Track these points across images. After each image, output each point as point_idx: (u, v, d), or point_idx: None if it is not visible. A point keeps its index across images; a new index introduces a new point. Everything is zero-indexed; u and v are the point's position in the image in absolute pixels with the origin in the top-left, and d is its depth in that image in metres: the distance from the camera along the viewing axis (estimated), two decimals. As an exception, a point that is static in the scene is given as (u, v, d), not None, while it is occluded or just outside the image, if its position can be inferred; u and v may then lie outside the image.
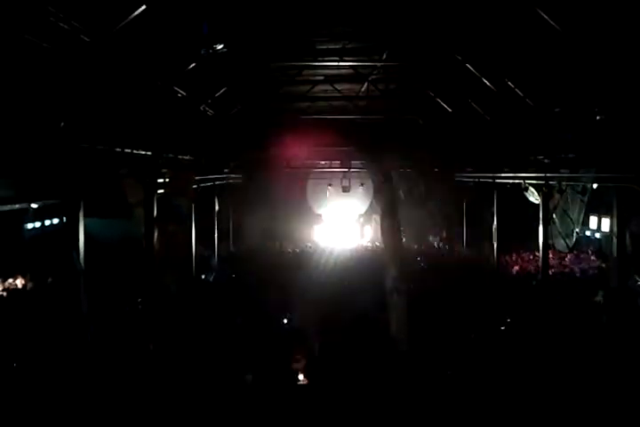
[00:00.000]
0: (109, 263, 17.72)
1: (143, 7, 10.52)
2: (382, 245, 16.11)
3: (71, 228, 13.33)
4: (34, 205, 18.53)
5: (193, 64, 14.71)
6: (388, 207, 15.58)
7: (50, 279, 17.65)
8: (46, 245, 19.29)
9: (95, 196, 15.10)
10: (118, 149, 14.61)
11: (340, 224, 33.45)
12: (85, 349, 12.09)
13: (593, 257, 23.41)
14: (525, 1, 11.46)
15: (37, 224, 21.49)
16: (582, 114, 15.11)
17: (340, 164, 24.35)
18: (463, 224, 28.14)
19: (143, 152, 15.91)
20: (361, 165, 25.56)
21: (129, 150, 15.05)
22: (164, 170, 16.82)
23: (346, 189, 28.12)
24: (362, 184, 30.65)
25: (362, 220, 33.23)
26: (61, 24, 9.82)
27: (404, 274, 14.19)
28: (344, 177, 27.78)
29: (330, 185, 29.69)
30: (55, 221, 22.49)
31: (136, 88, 14.47)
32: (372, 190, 31.44)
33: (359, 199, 32.34)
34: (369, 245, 31.16)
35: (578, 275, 21.20)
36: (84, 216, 13.28)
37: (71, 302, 12.94)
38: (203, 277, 21.47)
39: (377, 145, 17.86)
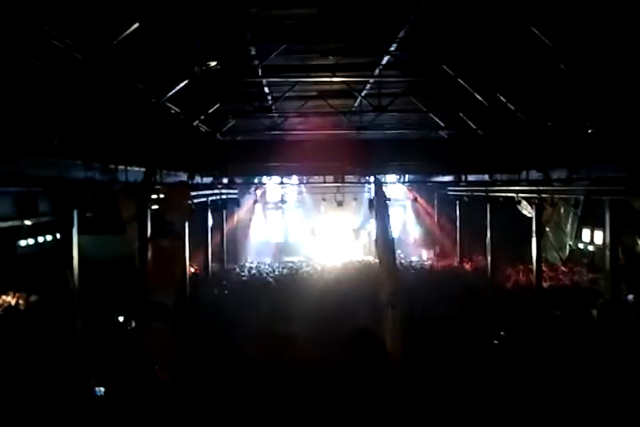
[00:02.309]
0: (103, 280, 17.64)
1: (136, 25, 10.57)
2: (377, 260, 16.12)
3: (65, 244, 13.32)
4: (27, 222, 18.47)
5: (186, 81, 14.76)
6: (383, 222, 15.64)
7: (43, 297, 17.58)
8: (40, 263, 19.21)
9: (89, 212, 15.11)
10: (112, 166, 14.62)
11: (334, 238, 33.44)
12: (78, 366, 12.04)
13: (584, 270, 23.44)
14: (517, 17, 11.55)
15: (31, 241, 21.40)
16: (574, 127, 15.21)
17: (334, 178, 24.36)
18: (458, 237, 28.19)
19: (137, 169, 15.92)
20: (355, 180, 25.66)
21: (123, 167, 15.05)
22: (158, 186, 16.82)
23: (340, 204, 28.18)
24: (355, 198, 30.70)
25: (355, 234, 33.24)
26: (55, 42, 9.87)
27: (399, 288, 14.20)
28: (338, 191, 27.86)
29: (323, 199, 29.73)
30: (49, 237, 22.41)
31: (130, 105, 14.51)
32: (365, 205, 31.61)
33: (353, 213, 32.41)
34: (362, 259, 31.13)
35: (571, 288, 21.21)
36: (78, 233, 13.26)
37: (64, 319, 12.90)
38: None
39: (370, 160, 17.92)
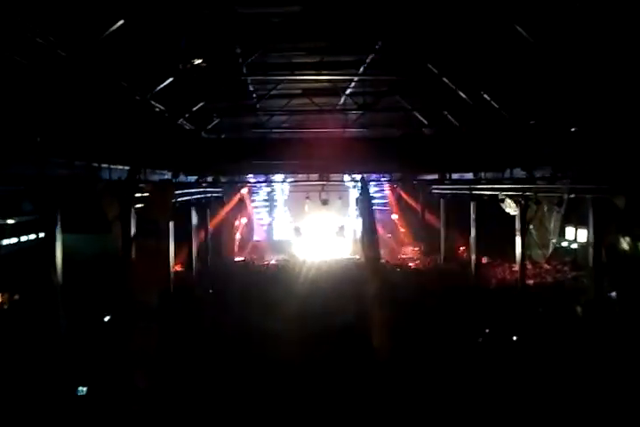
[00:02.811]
0: (87, 279, 17.55)
1: (121, 22, 10.53)
2: (362, 258, 16.15)
3: (48, 243, 13.24)
4: (10, 221, 18.33)
5: (171, 78, 14.71)
6: (368, 220, 15.64)
7: (26, 296, 17.44)
8: (23, 262, 19.07)
9: (73, 211, 15.01)
10: (96, 164, 14.55)
11: (319, 237, 33.46)
12: (63, 365, 11.97)
13: (567, 268, 23.58)
14: (501, 15, 11.60)
15: (14, 240, 21.22)
16: (557, 126, 15.29)
17: (319, 177, 24.38)
18: (442, 235, 28.25)
19: (121, 167, 15.85)
20: (339, 179, 25.66)
21: (106, 165, 14.98)
22: (142, 185, 16.75)
23: (324, 202, 28.15)
24: (340, 197, 30.69)
25: (340, 232, 33.26)
26: (38, 39, 9.80)
27: (385, 286, 14.22)
28: (322, 190, 27.82)
29: (308, 198, 29.71)
30: (32, 236, 22.23)
31: (113, 102, 14.44)
32: (350, 203, 31.64)
33: (338, 212, 32.43)
34: (348, 257, 31.16)
35: (555, 285, 21.32)
36: (62, 232, 13.18)
37: (48, 318, 12.83)
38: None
39: (355, 158, 17.93)
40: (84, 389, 11.36)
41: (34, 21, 9.41)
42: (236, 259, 31.12)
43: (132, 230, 16.34)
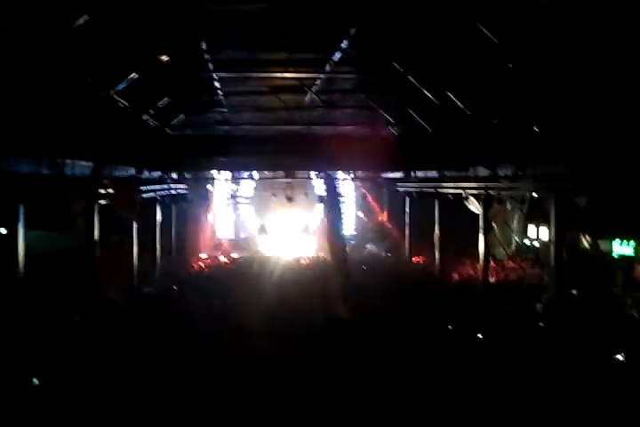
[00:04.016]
0: (51, 276, 17.38)
1: (85, 17, 10.43)
2: (328, 255, 16.23)
3: (10, 240, 13.08)
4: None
5: (135, 74, 14.61)
6: (334, 218, 15.77)
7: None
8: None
9: (36, 207, 14.83)
10: (59, 160, 14.38)
11: (285, 234, 33.47)
12: (27, 361, 11.87)
13: (529, 265, 23.88)
14: (465, 15, 11.72)
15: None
16: (520, 125, 15.48)
17: (285, 174, 24.38)
18: (407, 233, 28.42)
19: (85, 163, 15.69)
20: (305, 176, 25.71)
21: (70, 161, 14.82)
22: (106, 181, 16.62)
23: (290, 200, 28.14)
24: (306, 194, 30.73)
25: (306, 229, 33.29)
26: (1, 33, 9.68)
27: (349, 282, 14.35)
28: (288, 187, 27.82)
29: (274, 195, 29.69)
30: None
31: (77, 98, 14.29)
32: (316, 200, 31.67)
33: (304, 209, 32.45)
34: (314, 254, 31.19)
35: (517, 283, 21.59)
36: (25, 228, 13.04)
37: (9, 314, 12.69)
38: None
39: (321, 156, 18.00)
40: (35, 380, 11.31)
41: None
42: (202, 255, 30.98)
43: (96, 227, 16.24)
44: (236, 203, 35.38)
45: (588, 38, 10.84)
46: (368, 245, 33.35)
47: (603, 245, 17.79)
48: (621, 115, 11.86)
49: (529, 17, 11.09)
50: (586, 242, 16.99)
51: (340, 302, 13.60)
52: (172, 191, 25.81)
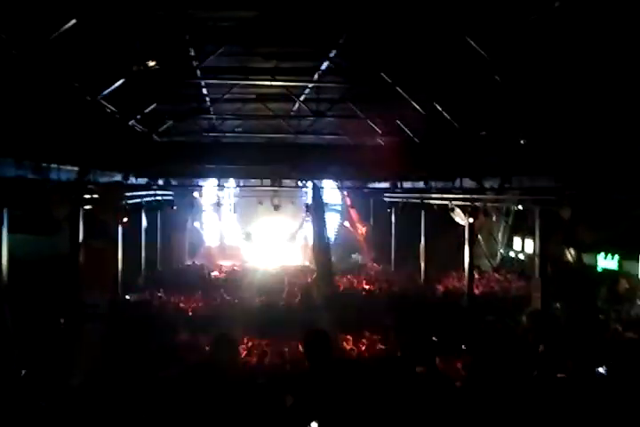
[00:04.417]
0: (35, 280, 17.26)
1: (73, 21, 10.39)
2: (313, 264, 16.20)
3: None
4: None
5: (123, 80, 14.56)
6: (319, 226, 15.75)
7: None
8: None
9: (20, 211, 14.74)
10: (44, 164, 14.30)
11: (270, 243, 33.42)
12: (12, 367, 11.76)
13: (514, 277, 23.95)
14: (454, 28, 11.76)
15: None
16: (506, 138, 15.54)
17: (271, 182, 24.35)
18: (391, 244, 28.44)
19: (70, 167, 15.61)
20: (292, 184, 25.69)
21: (55, 165, 14.74)
22: (91, 186, 16.54)
23: (276, 208, 28.10)
24: (292, 202, 30.73)
25: (292, 238, 33.29)
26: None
27: (333, 292, 14.30)
28: (275, 195, 27.80)
29: (260, 203, 29.65)
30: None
31: (64, 102, 14.23)
32: (302, 209, 31.66)
33: (290, 217, 32.45)
34: (299, 263, 31.14)
35: (502, 295, 21.65)
36: (9, 232, 12.96)
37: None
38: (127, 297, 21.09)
39: (307, 164, 17.97)
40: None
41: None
42: (187, 263, 30.89)
43: (81, 232, 16.15)
44: (222, 210, 35.29)
45: (575, 52, 10.92)
46: (354, 255, 33.36)
47: (587, 258, 17.85)
48: (607, 129, 11.94)
49: (517, 31, 11.14)
50: (570, 255, 17.03)
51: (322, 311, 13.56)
52: (158, 198, 25.72)
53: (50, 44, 10.73)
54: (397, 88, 16.33)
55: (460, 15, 11.32)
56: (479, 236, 20.31)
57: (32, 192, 14.80)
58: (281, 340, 14.95)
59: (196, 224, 33.90)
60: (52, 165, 14.63)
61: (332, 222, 32.91)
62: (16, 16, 9.77)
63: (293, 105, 19.96)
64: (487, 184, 17.86)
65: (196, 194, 32.66)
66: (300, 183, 27.39)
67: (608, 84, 11.15)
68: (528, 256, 22.59)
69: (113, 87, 14.82)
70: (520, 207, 18.14)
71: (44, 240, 19.15)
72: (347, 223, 35.62)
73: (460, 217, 20.17)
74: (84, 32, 10.97)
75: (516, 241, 25.32)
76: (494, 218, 21.66)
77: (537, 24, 10.53)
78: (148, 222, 25.09)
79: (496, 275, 24.67)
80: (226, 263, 31.17)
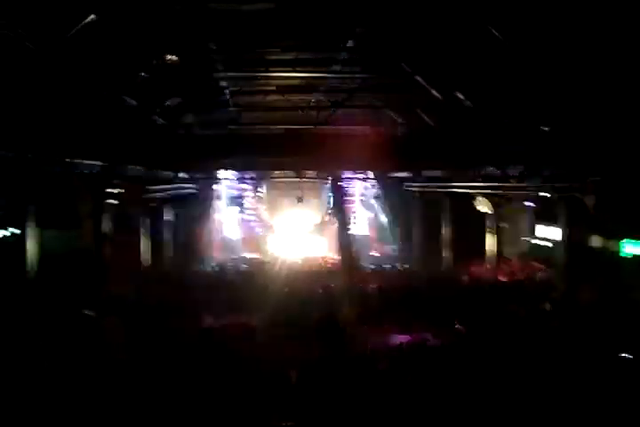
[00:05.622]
0: (63, 274, 17.46)
1: (92, 16, 10.47)
2: (338, 256, 16.24)
3: (20, 238, 13.18)
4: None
5: (143, 73, 14.66)
6: (342, 218, 15.80)
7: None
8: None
9: (46, 206, 14.94)
10: (69, 160, 14.47)
11: (294, 234, 33.37)
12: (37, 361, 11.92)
13: (538, 265, 23.80)
14: (474, 15, 11.69)
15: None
16: (529, 125, 15.44)
17: (294, 174, 24.40)
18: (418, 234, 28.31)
19: (94, 162, 15.77)
20: (314, 176, 25.71)
21: (79, 160, 14.90)
22: (116, 181, 16.69)
23: (300, 200, 28.15)
24: (316, 195, 30.68)
25: (317, 229, 33.19)
26: (5, 31, 9.73)
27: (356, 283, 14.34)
28: (298, 187, 27.83)
29: (283, 195, 29.67)
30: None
31: (87, 98, 14.36)
32: (325, 201, 31.61)
33: (314, 209, 32.39)
34: (324, 255, 31.02)
35: (526, 282, 21.52)
36: (36, 227, 13.14)
37: (21, 311, 12.77)
38: None
39: (328, 156, 17.97)
40: None
41: (2, 14, 9.33)
42: (211, 256, 30.92)
43: (105, 226, 16.32)
44: (245, 203, 35.27)
45: (600, 37, 10.82)
46: (378, 246, 33.16)
47: (612, 244, 17.70)
48: (630, 116, 11.84)
49: (538, 18, 11.06)
50: (594, 241, 16.91)
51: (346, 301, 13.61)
52: (181, 191, 25.81)
53: (69, 38, 10.82)
54: (417, 77, 16.28)
55: (480, 2, 11.28)
56: (503, 224, 20.17)
57: (57, 188, 15.01)
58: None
59: (219, 216, 33.85)
60: (77, 161, 14.79)
61: (358, 213, 32.73)
62: (35, 11, 9.87)
63: (313, 96, 19.94)
64: (511, 172, 17.78)
65: (218, 187, 32.63)
66: (322, 175, 27.41)
67: (632, 70, 11.05)
68: (552, 243, 22.44)
69: (135, 81, 14.92)
70: (545, 195, 17.99)
71: (69, 235, 19.41)
72: (370, 214, 35.31)
73: (483, 205, 20.09)
74: (105, 27, 11.06)
75: (540, 229, 25.13)
76: (517, 206, 21.49)
77: (559, 10, 10.45)
78: (172, 215, 25.23)
79: (518, 263, 24.53)
80: (251, 256, 31.13)
